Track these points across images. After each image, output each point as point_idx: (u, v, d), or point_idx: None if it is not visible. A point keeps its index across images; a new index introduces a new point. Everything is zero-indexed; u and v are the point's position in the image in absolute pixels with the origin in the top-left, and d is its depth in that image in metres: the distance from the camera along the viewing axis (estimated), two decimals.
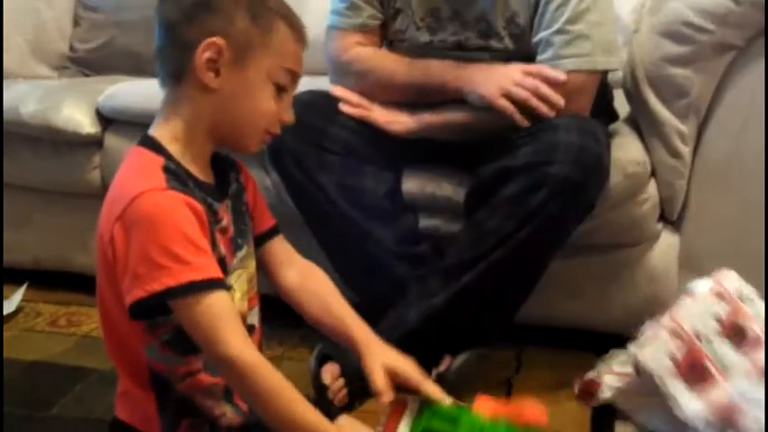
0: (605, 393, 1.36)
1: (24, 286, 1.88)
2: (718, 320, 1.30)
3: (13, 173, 1.93)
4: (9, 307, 1.81)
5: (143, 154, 0.97)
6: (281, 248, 1.14)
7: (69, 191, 1.92)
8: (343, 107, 1.49)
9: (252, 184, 1.12)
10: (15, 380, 1.51)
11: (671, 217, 1.57)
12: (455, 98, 1.44)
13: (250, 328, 1.08)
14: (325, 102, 1.49)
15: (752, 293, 1.32)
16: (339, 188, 1.44)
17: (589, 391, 1.39)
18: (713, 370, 1.24)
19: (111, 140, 1.86)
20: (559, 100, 1.36)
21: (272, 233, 1.13)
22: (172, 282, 0.88)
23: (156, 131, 0.99)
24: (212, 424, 1.02)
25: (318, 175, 1.44)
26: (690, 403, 1.22)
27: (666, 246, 1.58)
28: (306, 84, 1.69)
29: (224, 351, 0.89)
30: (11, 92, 1.93)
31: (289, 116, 1.02)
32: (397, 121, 1.49)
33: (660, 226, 1.58)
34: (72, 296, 1.87)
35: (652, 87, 1.49)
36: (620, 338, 1.41)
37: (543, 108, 1.36)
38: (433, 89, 1.45)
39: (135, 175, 0.94)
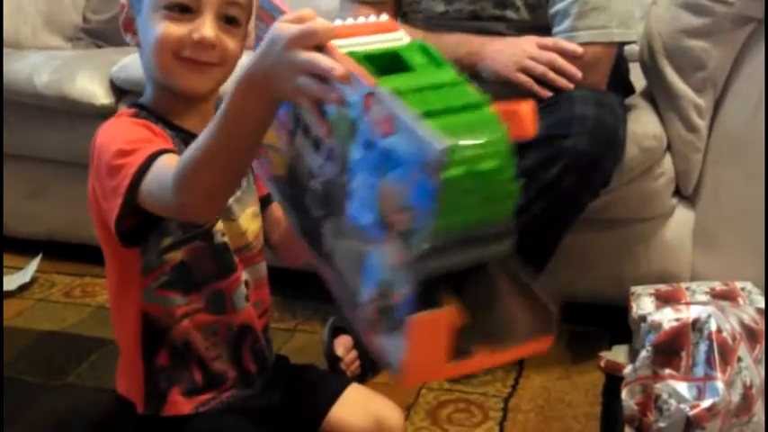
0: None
1: (39, 257, 1.89)
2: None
3: (27, 144, 1.94)
4: (23, 277, 1.82)
5: (120, 113, 1.01)
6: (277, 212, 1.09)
7: (84, 162, 1.89)
8: None
9: None
10: (31, 349, 1.53)
11: (686, 192, 1.56)
12: (469, 73, 1.43)
13: (245, 283, 1.04)
14: None
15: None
16: None
17: (615, 369, 1.40)
18: None
19: None
20: (576, 72, 1.35)
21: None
22: (133, 169, 0.86)
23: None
24: (214, 381, 1.02)
25: None
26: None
27: (681, 221, 1.57)
28: None
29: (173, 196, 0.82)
30: (25, 63, 1.93)
31: (199, 33, 0.92)
32: None
33: (675, 201, 1.57)
34: (86, 267, 1.88)
35: (669, 60, 1.47)
36: None
37: (561, 81, 1.35)
38: None
39: (103, 127, 0.96)
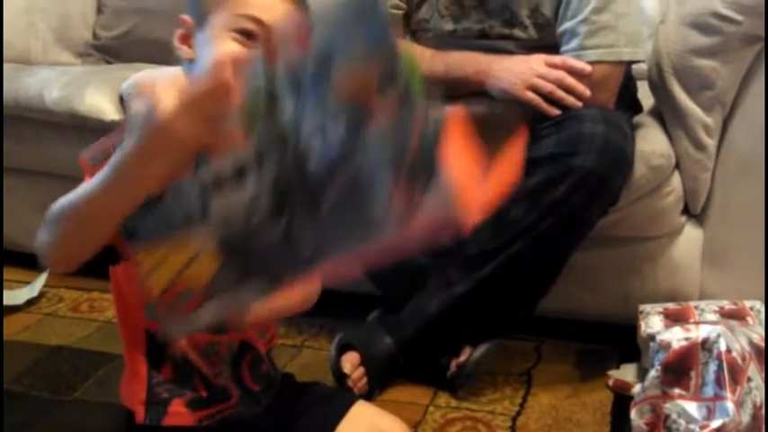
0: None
1: (47, 272, 1.90)
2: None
3: (37, 159, 1.95)
4: (31, 292, 1.83)
5: None
6: None
7: None
8: None
9: None
10: (39, 363, 1.53)
11: (694, 210, 1.56)
12: (477, 91, 1.44)
13: None
14: None
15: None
16: None
17: (624, 388, 1.40)
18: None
19: None
20: (585, 91, 1.36)
21: None
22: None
23: None
24: (219, 396, 1.01)
25: None
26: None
27: (689, 239, 1.57)
28: None
29: None
30: (35, 78, 1.94)
31: None
32: None
33: (683, 219, 1.57)
34: (94, 282, 1.88)
35: (677, 79, 1.48)
36: None
37: (569, 99, 1.36)
38: (455, 82, 1.44)
39: None
